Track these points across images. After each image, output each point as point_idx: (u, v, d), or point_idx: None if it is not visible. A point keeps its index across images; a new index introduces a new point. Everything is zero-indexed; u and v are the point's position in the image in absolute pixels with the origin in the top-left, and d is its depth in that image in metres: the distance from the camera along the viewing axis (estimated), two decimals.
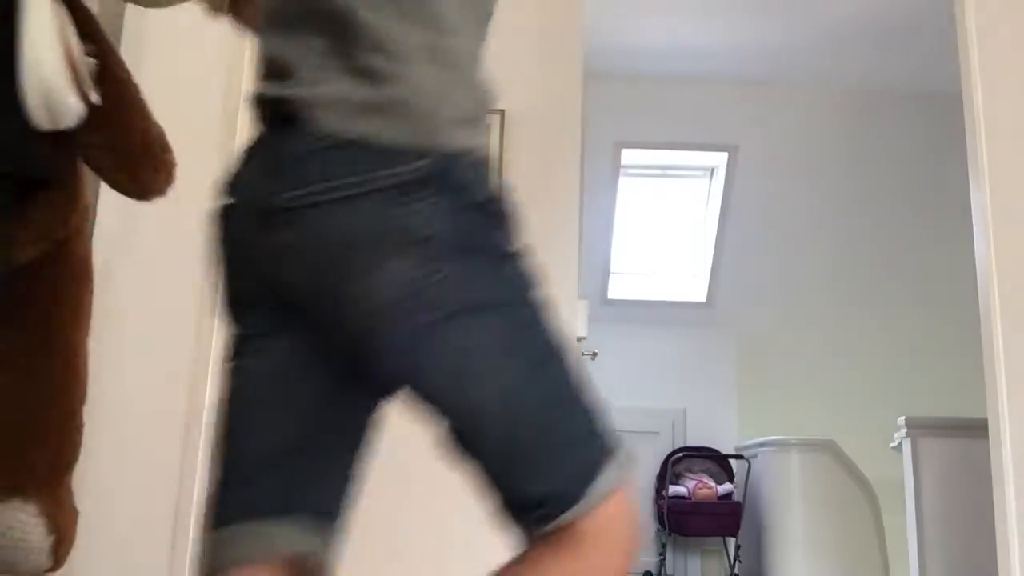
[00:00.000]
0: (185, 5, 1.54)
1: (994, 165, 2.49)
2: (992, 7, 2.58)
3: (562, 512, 0.80)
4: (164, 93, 1.75)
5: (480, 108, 0.91)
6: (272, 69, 0.89)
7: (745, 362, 5.38)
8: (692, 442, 5.18)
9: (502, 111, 3.21)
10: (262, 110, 0.89)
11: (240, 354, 0.91)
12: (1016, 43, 2.54)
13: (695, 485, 4.81)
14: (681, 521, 4.73)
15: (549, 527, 0.80)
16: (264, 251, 0.85)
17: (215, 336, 2.66)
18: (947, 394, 4.38)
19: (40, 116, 1.33)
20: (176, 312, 2.24)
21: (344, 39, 0.84)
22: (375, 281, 0.81)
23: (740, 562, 4.67)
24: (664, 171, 5.65)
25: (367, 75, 0.83)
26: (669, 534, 4.78)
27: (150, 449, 2.13)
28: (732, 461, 4.98)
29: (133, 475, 2.05)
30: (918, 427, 3.54)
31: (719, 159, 5.50)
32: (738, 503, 4.75)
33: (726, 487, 4.85)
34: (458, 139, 0.85)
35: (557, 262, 2.54)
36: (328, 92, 0.84)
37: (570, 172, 2.73)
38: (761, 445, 4.81)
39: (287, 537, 0.87)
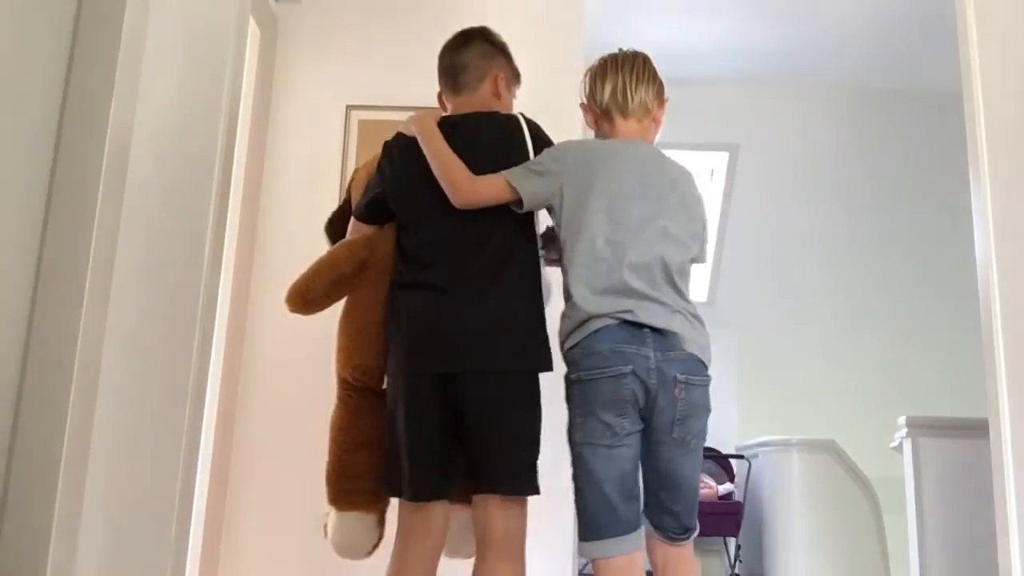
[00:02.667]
0: None
1: (994, 165, 2.49)
2: (992, 6, 2.58)
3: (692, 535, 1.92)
4: None
5: None
6: (645, 302, 1.87)
7: (745, 362, 5.38)
8: None
9: None
10: (642, 327, 1.85)
11: (620, 438, 1.81)
12: (1016, 43, 2.54)
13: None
14: None
15: (688, 540, 1.90)
16: (667, 395, 1.82)
17: (215, 341, 2.66)
18: (947, 394, 4.38)
19: None
20: (179, 316, 2.24)
21: (695, 325, 1.92)
22: (700, 421, 1.86)
23: (740, 562, 4.67)
24: None
25: (702, 333, 1.92)
26: None
27: (152, 451, 2.13)
28: (732, 461, 4.98)
29: (134, 477, 2.05)
30: (918, 427, 3.54)
31: (719, 159, 5.49)
32: (738, 503, 4.75)
33: (726, 487, 4.85)
34: None
35: None
36: (698, 339, 1.89)
37: None
38: (761, 445, 4.81)
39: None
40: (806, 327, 5.46)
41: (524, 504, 1.90)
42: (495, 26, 3.35)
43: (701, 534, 2.00)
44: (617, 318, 1.84)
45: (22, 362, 1.66)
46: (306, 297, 2.06)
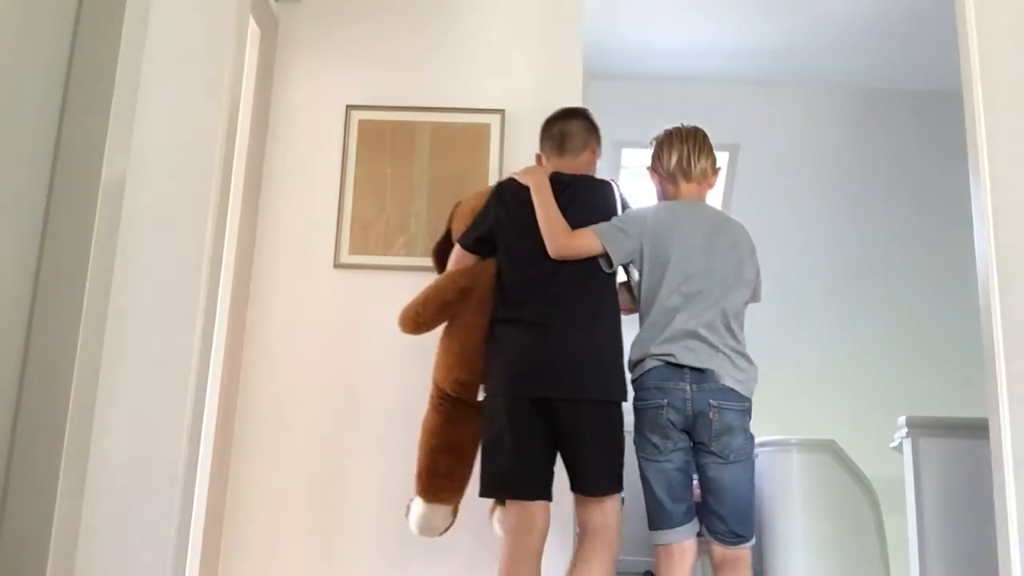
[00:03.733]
0: None
1: (994, 165, 2.49)
2: (992, 7, 2.58)
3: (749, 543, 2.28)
4: None
5: None
6: (690, 348, 2.25)
7: None
8: None
9: (502, 111, 3.21)
10: (682, 368, 2.24)
11: (664, 454, 2.24)
12: (1016, 43, 2.54)
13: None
14: None
15: (740, 547, 2.25)
16: (704, 417, 2.21)
17: (215, 340, 2.66)
18: (947, 394, 4.37)
19: None
20: (179, 315, 2.24)
21: (737, 362, 2.26)
22: (737, 440, 2.21)
23: None
24: None
25: (743, 370, 2.26)
26: None
27: (152, 451, 2.13)
28: None
29: (134, 477, 2.05)
30: (918, 427, 3.53)
31: (719, 159, 5.49)
32: None
33: None
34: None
35: None
36: (735, 374, 2.23)
37: None
38: (761, 445, 4.79)
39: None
40: (806, 327, 5.46)
41: (616, 499, 2.28)
42: (495, 26, 3.36)
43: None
44: (663, 360, 2.24)
45: (22, 362, 1.66)
46: (416, 321, 2.40)
